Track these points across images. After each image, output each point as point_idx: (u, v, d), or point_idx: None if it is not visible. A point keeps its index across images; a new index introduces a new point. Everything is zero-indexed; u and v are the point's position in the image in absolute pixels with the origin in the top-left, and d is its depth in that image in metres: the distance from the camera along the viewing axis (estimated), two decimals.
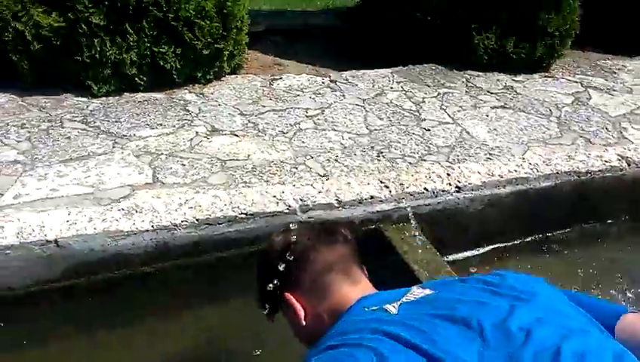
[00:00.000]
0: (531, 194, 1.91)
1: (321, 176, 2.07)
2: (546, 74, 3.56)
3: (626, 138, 2.67)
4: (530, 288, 0.87)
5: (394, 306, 0.90)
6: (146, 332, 1.52)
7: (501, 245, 1.85)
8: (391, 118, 2.81)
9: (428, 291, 0.93)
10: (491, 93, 3.20)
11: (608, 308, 0.91)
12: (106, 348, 1.48)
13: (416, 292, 0.94)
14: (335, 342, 0.85)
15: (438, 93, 3.15)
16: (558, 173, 1.92)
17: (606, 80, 3.54)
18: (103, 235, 1.45)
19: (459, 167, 1.93)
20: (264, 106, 2.81)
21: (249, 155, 2.31)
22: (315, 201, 1.71)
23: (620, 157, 2.05)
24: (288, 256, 1.08)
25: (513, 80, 3.43)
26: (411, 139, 2.60)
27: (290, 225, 1.14)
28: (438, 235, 1.79)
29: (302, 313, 1.04)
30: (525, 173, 1.91)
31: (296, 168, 2.21)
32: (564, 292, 0.91)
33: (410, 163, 2.38)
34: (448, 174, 1.88)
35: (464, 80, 3.38)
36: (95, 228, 1.45)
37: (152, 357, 1.46)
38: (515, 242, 1.96)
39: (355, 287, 1.03)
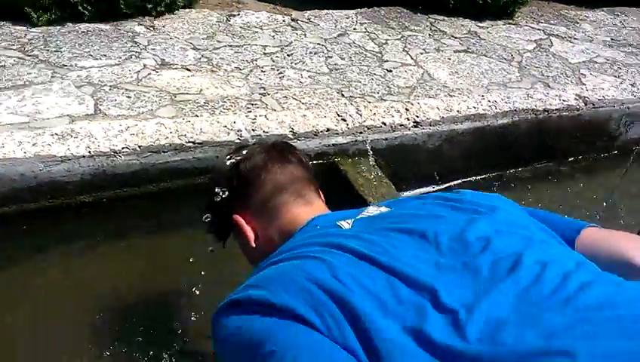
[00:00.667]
0: (488, 132, 1.88)
1: (274, 110, 1.99)
2: (510, 21, 3.52)
3: (584, 83, 2.68)
4: (490, 202, 0.84)
5: (347, 222, 0.86)
6: (81, 267, 1.44)
7: (457, 182, 1.83)
8: (352, 58, 2.72)
9: (384, 208, 0.89)
10: (455, 38, 3.14)
11: (568, 222, 0.89)
12: (33, 285, 1.38)
13: (372, 210, 0.90)
14: (283, 257, 0.79)
15: (402, 36, 3.07)
16: (516, 110, 1.90)
17: (568, 29, 3.53)
18: (33, 160, 1.33)
19: (417, 103, 1.88)
20: (219, 42, 2.67)
21: (201, 90, 2.19)
22: (267, 132, 1.63)
23: (577, 97, 2.04)
24: (238, 175, 1.02)
25: (477, 25, 3.38)
26: (372, 79, 2.52)
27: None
28: (394, 170, 1.75)
29: (251, 234, 0.99)
30: (483, 109, 1.88)
31: (252, 105, 2.12)
32: (525, 208, 0.88)
33: (368, 101, 2.32)
34: (407, 109, 1.83)
35: (429, 24, 3.31)
36: (25, 153, 1.33)
37: (85, 293, 1.37)
38: (471, 179, 1.95)
39: (307, 208, 0.98)
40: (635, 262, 0.76)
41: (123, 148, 1.43)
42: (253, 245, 0.98)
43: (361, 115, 1.75)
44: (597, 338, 0.54)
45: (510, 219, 0.80)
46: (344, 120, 1.73)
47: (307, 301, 0.65)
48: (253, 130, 1.63)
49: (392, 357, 0.58)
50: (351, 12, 3.31)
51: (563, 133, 1.98)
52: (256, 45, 2.68)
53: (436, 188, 1.86)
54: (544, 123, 1.95)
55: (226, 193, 1.03)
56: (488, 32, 3.29)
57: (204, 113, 1.97)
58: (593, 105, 2.03)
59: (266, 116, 1.72)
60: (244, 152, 1.06)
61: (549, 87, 2.60)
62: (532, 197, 1.94)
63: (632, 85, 2.20)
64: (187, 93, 2.15)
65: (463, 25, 3.36)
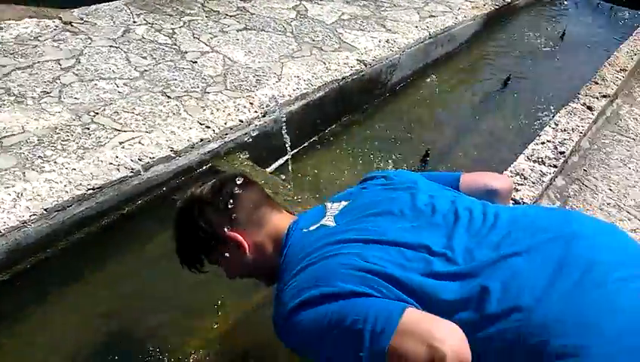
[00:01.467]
0: (311, 105, 2.31)
1: (118, 130, 2.01)
2: None
3: (345, 42, 3.30)
4: (409, 178, 1.23)
5: (329, 221, 1.14)
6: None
7: (297, 150, 2.22)
8: (153, 55, 2.77)
9: (344, 203, 1.19)
10: (230, 16, 3.39)
11: (450, 176, 1.31)
12: None
13: (334, 206, 1.20)
14: (307, 263, 1.01)
15: (184, 22, 3.18)
16: (326, 83, 2.36)
17: None
18: None
19: (256, 95, 2.17)
20: (4, 66, 2.40)
21: (23, 127, 2.04)
22: (153, 157, 1.72)
23: (359, 61, 2.61)
24: (223, 197, 1.17)
25: (241, 0, 3.67)
26: (184, 74, 2.65)
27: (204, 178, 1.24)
28: (256, 156, 2.05)
29: (246, 244, 1.16)
30: (305, 88, 2.28)
31: (88, 128, 2.08)
32: (422, 174, 1.32)
33: (196, 98, 2.49)
34: (251, 103, 2.10)
35: (199, 4, 3.46)
36: None
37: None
38: (305, 145, 2.36)
39: (282, 215, 1.23)
40: (492, 186, 1.27)
41: (31, 216, 1.38)
42: (249, 255, 1.16)
43: (219, 119, 1.96)
44: (521, 240, 1.00)
45: (428, 186, 1.23)
46: (208, 126, 1.92)
47: (358, 281, 0.95)
48: (139, 159, 1.70)
49: (423, 291, 0.96)
50: (120, 3, 3.23)
51: (354, 91, 2.54)
52: (47, 61, 2.50)
53: (284, 158, 2.21)
54: (343, 87, 2.47)
55: (209, 219, 1.16)
56: (253, 6, 3.62)
57: (47, 151, 1.88)
58: (370, 65, 2.62)
59: (140, 142, 1.79)
60: (213, 182, 1.23)
61: (322, 50, 3.14)
62: (347, 145, 2.47)
63: (387, 42, 2.88)
64: (11, 135, 1.99)
65: (230, 1, 3.61)
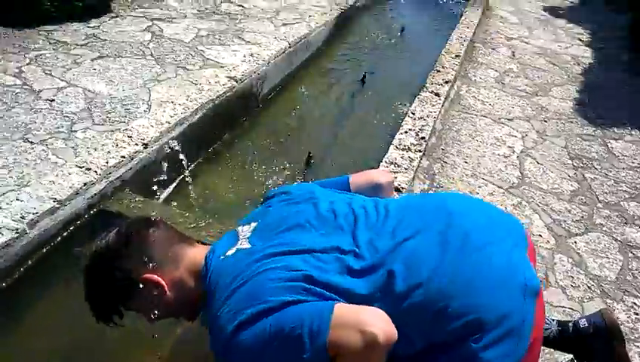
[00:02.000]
0: (190, 128, 2.32)
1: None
2: (112, 14, 3.76)
3: (209, 59, 3.33)
4: (307, 189, 1.35)
5: (244, 243, 1.21)
6: None
7: (188, 172, 2.23)
8: (3, 99, 2.56)
9: (253, 224, 1.27)
10: (80, 46, 3.23)
11: (339, 180, 1.43)
12: None
13: (245, 229, 1.27)
14: (235, 286, 1.07)
15: (30, 59, 2.97)
16: (202, 104, 2.39)
17: (161, 9, 4.04)
18: None
19: (132, 127, 2.13)
20: None
21: None
22: (36, 211, 1.63)
23: (229, 78, 2.67)
24: (132, 242, 1.17)
25: (88, 27, 3.51)
26: (44, 115, 2.50)
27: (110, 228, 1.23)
28: (144, 189, 2.03)
29: (164, 284, 1.17)
30: (182, 113, 2.29)
31: None
32: (314, 183, 1.45)
33: (63, 138, 2.37)
34: (130, 136, 2.07)
35: (44, 37, 3.25)
36: None
37: None
38: (191, 168, 2.38)
39: (195, 248, 1.27)
40: (377, 181, 1.42)
41: None
42: (168, 293, 1.18)
43: (99, 158, 1.90)
44: (411, 225, 1.14)
45: (325, 193, 1.36)
46: (89, 168, 1.85)
47: (287, 292, 1.03)
48: (22, 217, 1.60)
49: (343, 289, 1.09)
50: None
51: (230, 107, 2.59)
52: None
53: (177, 180, 2.22)
54: (219, 106, 2.52)
55: (122, 268, 1.15)
56: (104, 31, 3.48)
57: None
58: (241, 80, 2.70)
59: (17, 198, 1.67)
60: (116, 230, 1.24)
61: (187, 69, 3.14)
62: (232, 160, 2.54)
63: (251, 55, 2.97)
64: None
65: (76, 30, 3.43)
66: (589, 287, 1.95)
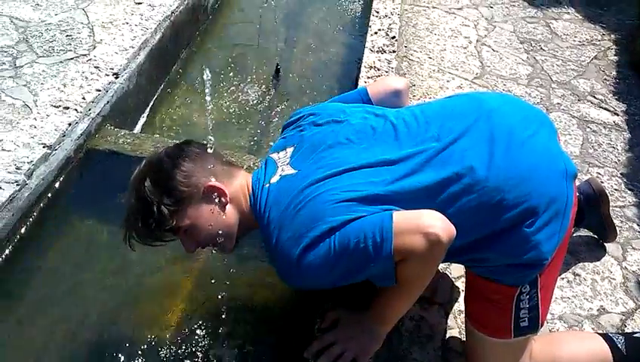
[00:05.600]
0: (154, 50, 2.17)
1: None
2: None
3: None
4: (336, 108, 1.30)
5: (288, 169, 1.18)
6: None
7: (153, 101, 2.12)
8: None
9: (290, 149, 1.24)
10: None
11: (358, 94, 1.41)
12: None
13: (282, 154, 1.24)
14: (289, 211, 1.09)
15: None
16: (159, 23, 2.21)
17: None
18: None
19: (96, 56, 1.95)
20: None
21: None
22: (30, 160, 1.51)
23: None
24: (193, 149, 1.18)
25: None
26: None
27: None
28: (122, 120, 1.93)
29: (228, 194, 1.18)
30: (142, 35, 2.12)
31: None
32: (337, 99, 1.43)
33: (12, 77, 2.13)
34: (97, 67, 1.90)
35: None
36: None
37: None
38: (159, 92, 2.25)
39: (243, 171, 1.28)
40: (397, 87, 1.39)
41: None
42: (229, 206, 1.19)
43: (74, 94, 1.75)
44: (455, 127, 1.13)
45: (354, 109, 1.29)
46: (67, 107, 1.69)
47: (345, 211, 1.06)
48: (17, 168, 1.48)
49: (396, 195, 1.11)
50: None
51: (185, 23, 2.42)
52: None
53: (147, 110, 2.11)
54: (175, 23, 2.34)
55: (187, 169, 1.15)
56: None
57: None
58: None
59: (3, 148, 1.53)
60: (171, 146, 1.22)
61: None
62: (197, 78, 2.42)
63: None
64: None
65: None
66: None
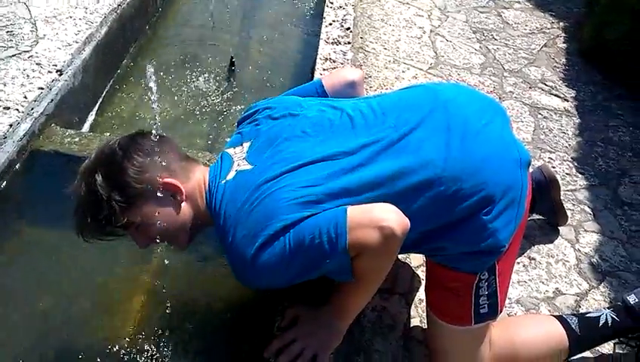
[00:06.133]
0: (99, 45, 2.08)
1: None
2: None
3: None
4: (292, 101, 1.27)
5: (243, 165, 1.15)
6: None
7: (102, 99, 2.03)
8: None
9: (246, 144, 1.21)
10: None
11: (313, 86, 1.41)
12: None
13: (238, 150, 1.21)
14: (245, 209, 1.06)
15: None
16: (105, 16, 2.12)
17: None
18: None
19: (38, 53, 1.85)
20: None
21: None
22: None
23: None
24: (146, 144, 1.13)
25: None
26: None
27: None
28: (67, 119, 1.84)
29: (184, 191, 1.14)
30: (87, 29, 2.02)
31: None
32: (292, 91, 1.40)
33: None
34: (39, 64, 1.80)
35: None
36: None
37: None
38: (107, 89, 2.16)
39: (201, 166, 1.23)
40: (351, 79, 1.38)
41: None
42: (184, 203, 1.15)
43: (15, 93, 1.66)
44: (411, 118, 1.13)
45: (310, 101, 1.27)
46: (7, 107, 1.60)
47: (299, 208, 1.03)
48: None
49: (352, 188, 1.10)
50: None
51: (133, 16, 2.34)
52: None
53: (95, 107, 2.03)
54: (123, 16, 2.25)
55: (140, 164, 1.09)
56: None
57: None
58: None
59: None
60: (124, 136, 1.16)
61: None
62: (146, 74, 2.34)
63: None
64: None
65: None
66: None
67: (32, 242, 1.51)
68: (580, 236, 1.88)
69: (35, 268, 1.44)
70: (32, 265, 1.45)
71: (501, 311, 1.27)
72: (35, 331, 1.32)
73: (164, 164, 1.13)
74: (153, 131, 1.16)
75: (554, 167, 2.13)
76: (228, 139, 1.34)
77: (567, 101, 2.54)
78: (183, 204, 1.16)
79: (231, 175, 1.16)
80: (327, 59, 2.16)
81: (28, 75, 1.75)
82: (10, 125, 1.58)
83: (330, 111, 1.24)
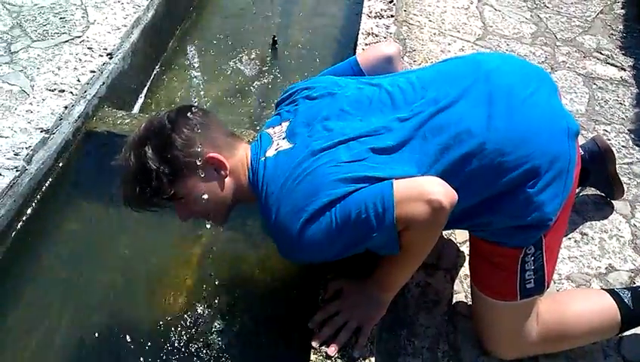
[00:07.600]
0: (147, 28, 2.13)
1: None
2: None
3: None
4: (330, 80, 1.27)
5: (283, 144, 1.16)
6: None
7: (151, 81, 2.10)
8: None
9: (285, 123, 1.22)
10: None
11: (348, 64, 1.39)
12: None
13: (277, 129, 1.23)
14: (289, 184, 1.06)
15: None
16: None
17: None
18: None
19: (88, 37, 1.93)
20: None
21: None
22: (29, 145, 1.51)
23: None
24: (194, 118, 1.14)
25: None
26: None
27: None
28: (119, 101, 1.91)
29: (228, 166, 1.15)
30: (135, 12, 2.08)
31: None
32: (326, 72, 1.40)
33: (8, 63, 2.12)
34: (90, 48, 1.87)
35: None
36: None
37: None
38: (156, 72, 2.23)
39: (245, 143, 1.25)
40: (388, 53, 1.36)
41: None
42: (228, 179, 1.16)
43: (68, 77, 1.74)
44: (452, 91, 1.10)
45: (347, 81, 1.27)
46: (62, 90, 1.68)
47: (344, 183, 1.04)
48: (15, 154, 1.48)
49: (397, 164, 1.11)
50: None
51: None
52: None
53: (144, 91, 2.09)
54: None
55: (187, 137, 1.11)
56: None
57: None
58: None
59: (0, 135, 1.53)
60: (173, 109, 1.18)
61: None
62: (195, 56, 2.39)
63: None
64: None
65: None
66: None
67: (88, 219, 1.59)
68: (636, 211, 1.79)
69: (93, 241, 1.52)
70: (92, 237, 1.53)
71: (548, 286, 1.24)
72: (95, 300, 1.39)
73: (210, 138, 1.15)
74: (200, 107, 1.18)
75: (609, 140, 2.03)
76: (267, 120, 1.35)
77: (625, 70, 2.40)
78: (227, 179, 1.17)
79: (271, 152, 1.17)
80: (369, 33, 2.13)
81: (80, 59, 1.83)
82: (65, 107, 1.66)
83: (369, 88, 1.23)
